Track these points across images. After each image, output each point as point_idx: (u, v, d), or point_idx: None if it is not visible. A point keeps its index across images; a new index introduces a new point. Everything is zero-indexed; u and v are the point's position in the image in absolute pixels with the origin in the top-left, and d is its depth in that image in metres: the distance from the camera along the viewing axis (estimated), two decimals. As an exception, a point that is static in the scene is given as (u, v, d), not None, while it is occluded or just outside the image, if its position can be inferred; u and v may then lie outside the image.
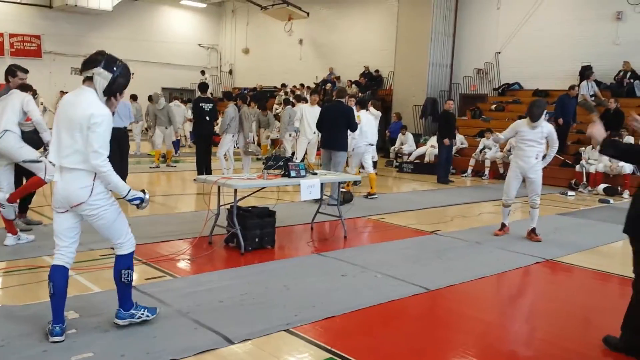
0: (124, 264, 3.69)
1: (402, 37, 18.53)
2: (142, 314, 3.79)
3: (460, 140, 14.87)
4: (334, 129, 8.61)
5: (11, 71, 6.12)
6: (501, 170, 13.13)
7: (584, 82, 14.61)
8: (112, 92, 3.51)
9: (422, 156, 15.57)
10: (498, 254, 6.39)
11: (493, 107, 16.67)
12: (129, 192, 3.61)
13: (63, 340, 3.46)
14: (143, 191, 3.75)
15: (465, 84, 18.48)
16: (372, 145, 10.38)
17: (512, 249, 6.56)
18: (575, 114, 13.50)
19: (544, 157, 6.94)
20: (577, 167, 12.50)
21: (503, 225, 7.28)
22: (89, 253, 5.48)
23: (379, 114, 12.60)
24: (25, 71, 6.25)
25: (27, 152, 5.80)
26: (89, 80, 3.47)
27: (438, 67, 18.36)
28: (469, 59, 18.31)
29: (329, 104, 9.76)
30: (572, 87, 13.62)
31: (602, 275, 5.79)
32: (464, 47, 18.51)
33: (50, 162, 3.57)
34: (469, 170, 14.16)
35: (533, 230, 7.08)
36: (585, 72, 14.77)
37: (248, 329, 3.82)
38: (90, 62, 3.47)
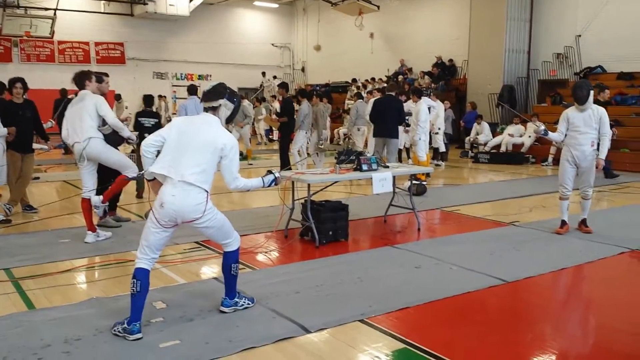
0: (232, 258, 4.01)
1: (475, 25, 18.10)
2: (244, 303, 4.13)
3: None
4: (386, 120, 9.32)
5: (99, 78, 6.37)
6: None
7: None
8: (230, 120, 3.95)
9: (498, 146, 15.16)
10: (580, 244, 6.16)
11: (574, 92, 15.91)
12: (264, 183, 4.09)
13: (142, 337, 3.61)
14: (270, 171, 4.18)
15: (544, 69, 17.77)
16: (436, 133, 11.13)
17: (595, 239, 6.30)
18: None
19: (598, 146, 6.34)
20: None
21: (563, 222, 6.61)
22: (174, 247, 5.79)
23: (436, 104, 12.75)
24: (106, 75, 6.58)
25: (114, 155, 6.12)
26: (212, 109, 3.82)
27: (514, 53, 17.78)
28: (548, 44, 17.59)
29: (380, 97, 10.24)
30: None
31: (696, 266, 5.46)
32: (542, 31, 17.81)
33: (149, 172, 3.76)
34: (550, 159, 13.65)
35: (584, 221, 6.65)
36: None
37: (324, 319, 3.93)
38: (216, 94, 3.84)
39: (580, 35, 16.62)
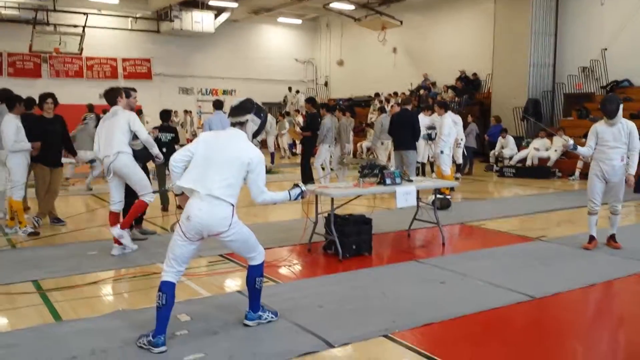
0: (257, 272, 4.02)
1: (499, 39, 18.01)
2: (268, 316, 4.13)
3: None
4: (402, 133, 9.59)
5: (127, 93, 6.44)
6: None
7: None
8: (257, 135, 4.01)
9: (524, 160, 14.98)
10: (609, 260, 6.03)
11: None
12: (290, 196, 4.11)
13: (166, 350, 3.62)
14: (296, 185, 4.20)
15: (570, 83, 17.57)
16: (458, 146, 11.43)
17: (624, 255, 6.16)
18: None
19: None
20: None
21: (592, 237, 6.46)
22: (198, 260, 5.82)
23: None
24: (134, 90, 6.64)
25: (137, 173, 6.11)
26: (240, 124, 3.88)
27: (539, 67, 17.62)
28: (573, 57, 17.40)
29: (398, 111, 10.29)
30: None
31: None
32: (567, 45, 17.63)
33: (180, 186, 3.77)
34: (577, 173, 13.45)
35: (612, 237, 6.50)
36: None
37: (348, 334, 3.90)
38: (244, 109, 3.91)
39: (606, 49, 16.41)
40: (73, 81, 22.64)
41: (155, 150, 6.37)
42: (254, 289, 4.03)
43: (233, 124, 3.90)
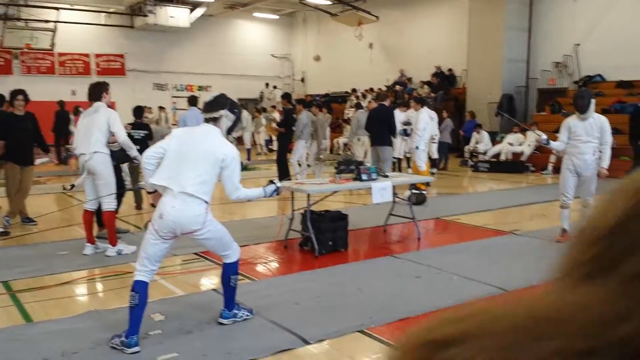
0: (232, 270, 3.98)
1: (474, 35, 18.16)
2: (243, 314, 4.10)
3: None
4: (379, 128, 9.55)
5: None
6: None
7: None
8: (231, 131, 3.96)
9: (498, 155, 15.16)
10: (581, 253, 6.12)
11: (574, 101, 15.95)
12: (266, 193, 4.12)
13: (139, 351, 3.56)
14: (271, 181, 4.19)
15: (543, 78, 17.82)
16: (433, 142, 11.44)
17: (596, 248, 6.27)
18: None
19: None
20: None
21: (564, 231, 6.45)
22: (172, 259, 5.75)
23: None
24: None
25: (108, 176, 5.91)
26: (213, 120, 3.81)
27: (513, 62, 17.82)
28: (546, 53, 17.64)
29: (374, 107, 10.39)
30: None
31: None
32: (541, 41, 17.87)
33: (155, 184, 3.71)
34: (550, 168, 13.65)
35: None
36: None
37: (323, 330, 3.90)
38: (218, 105, 3.85)
39: (579, 44, 16.67)
40: (45, 77, 22.18)
41: (133, 152, 6.22)
42: (228, 287, 4.00)
43: (207, 120, 3.85)
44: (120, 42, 24.15)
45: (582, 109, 6.21)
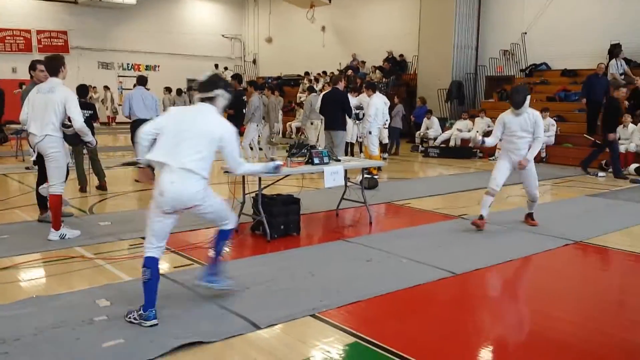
0: (225, 236, 4.14)
1: (425, 21, 18.33)
2: (224, 285, 4.20)
3: (487, 124, 14.76)
4: (332, 112, 9.49)
5: (32, 66, 6.18)
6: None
7: (613, 61, 14.22)
8: (223, 110, 4.08)
9: (447, 140, 15.43)
10: (526, 236, 6.32)
11: (520, 88, 16.36)
12: (267, 168, 4.43)
13: (157, 324, 3.61)
14: (272, 159, 4.33)
15: (492, 65, 18.20)
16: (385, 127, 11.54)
17: (540, 232, 6.48)
18: (606, 92, 13.13)
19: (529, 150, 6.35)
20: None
21: (481, 217, 6.47)
22: (119, 243, 5.61)
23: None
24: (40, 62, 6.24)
25: (59, 161, 5.69)
26: (209, 100, 3.85)
27: (463, 49, 18.12)
28: (495, 41, 18.02)
29: (327, 91, 10.26)
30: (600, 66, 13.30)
31: (635, 257, 5.68)
32: (489, 28, 18.22)
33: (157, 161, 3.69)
34: (497, 154, 13.95)
35: (530, 215, 6.81)
36: (614, 50, 14.35)
37: (274, 314, 3.87)
38: (213, 84, 3.90)
39: (526, 33, 17.08)
40: (-18, 53, 21.15)
41: (88, 137, 5.98)
42: (218, 253, 4.13)
43: (202, 99, 3.88)
44: (63, 17, 23.22)
45: (517, 105, 6.33)
